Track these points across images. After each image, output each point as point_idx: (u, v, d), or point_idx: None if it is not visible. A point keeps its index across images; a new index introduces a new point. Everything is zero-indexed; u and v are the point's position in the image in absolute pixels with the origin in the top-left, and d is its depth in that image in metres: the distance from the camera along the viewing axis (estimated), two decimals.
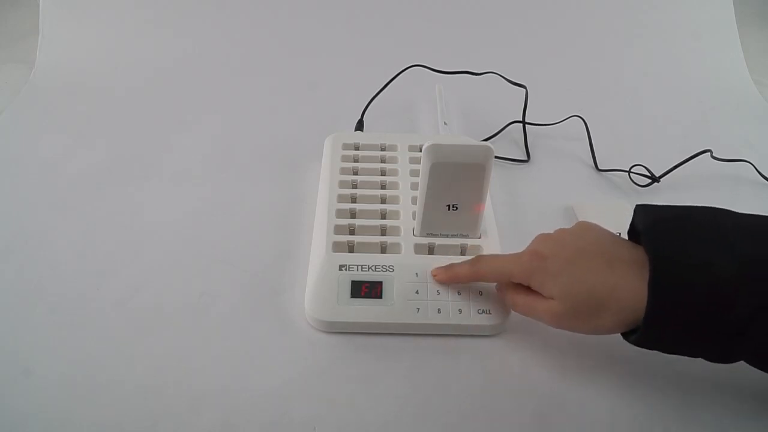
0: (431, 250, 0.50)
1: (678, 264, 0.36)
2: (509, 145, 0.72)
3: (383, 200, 0.55)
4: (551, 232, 0.44)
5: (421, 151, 0.45)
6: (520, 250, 0.46)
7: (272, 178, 0.64)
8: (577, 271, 0.40)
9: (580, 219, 0.59)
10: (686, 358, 0.39)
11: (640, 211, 0.41)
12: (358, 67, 0.85)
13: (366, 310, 0.46)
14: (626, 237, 0.42)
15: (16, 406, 0.41)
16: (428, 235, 0.50)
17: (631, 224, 0.42)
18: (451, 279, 0.47)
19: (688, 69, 0.89)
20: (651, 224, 0.38)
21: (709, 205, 0.40)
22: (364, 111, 0.71)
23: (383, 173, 0.58)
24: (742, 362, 0.38)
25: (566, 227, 0.44)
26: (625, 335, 0.40)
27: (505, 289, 0.45)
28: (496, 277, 0.46)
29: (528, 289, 0.43)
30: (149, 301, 0.49)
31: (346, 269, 0.48)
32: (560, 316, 0.40)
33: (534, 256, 0.42)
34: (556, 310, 0.40)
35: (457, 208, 0.48)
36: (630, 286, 0.37)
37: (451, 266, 0.47)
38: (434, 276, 0.47)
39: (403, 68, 0.72)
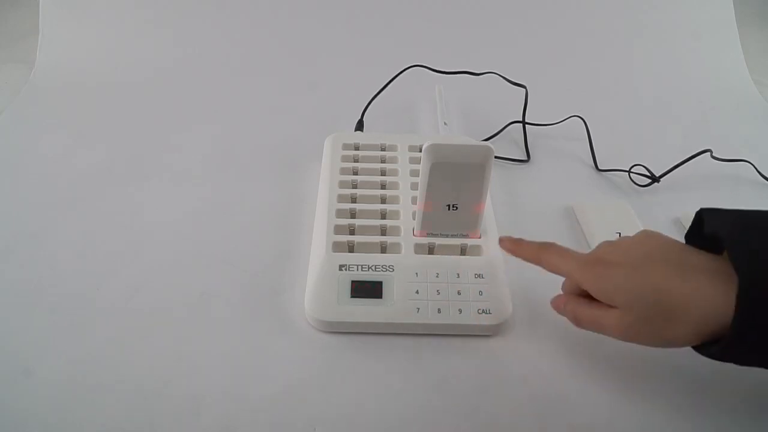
0: (431, 250, 0.50)
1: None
2: (509, 145, 0.72)
3: (383, 200, 0.55)
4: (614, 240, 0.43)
5: (421, 151, 0.45)
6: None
7: (272, 178, 0.64)
8: (644, 277, 0.37)
9: (580, 219, 0.59)
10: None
11: (712, 216, 0.38)
12: (358, 67, 0.85)
13: (366, 310, 0.46)
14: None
15: (16, 406, 0.41)
16: (428, 235, 0.50)
17: (695, 228, 0.40)
18: (513, 251, 0.47)
19: (688, 69, 0.89)
20: (732, 228, 0.36)
21: None
22: (364, 111, 0.71)
23: (383, 173, 0.58)
24: None
25: (628, 236, 0.42)
26: (697, 348, 0.38)
27: (565, 303, 0.43)
28: (554, 269, 0.43)
29: (590, 300, 0.41)
30: (149, 301, 0.49)
31: (346, 269, 0.48)
32: (629, 326, 0.38)
33: (599, 261, 0.40)
34: (625, 321, 0.38)
35: (457, 207, 0.48)
36: (707, 295, 0.35)
37: (519, 241, 0.47)
38: (500, 241, 0.48)
39: (403, 68, 0.72)
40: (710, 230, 0.38)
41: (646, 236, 0.41)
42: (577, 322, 0.42)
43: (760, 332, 0.34)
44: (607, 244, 0.42)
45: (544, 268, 0.44)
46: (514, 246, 0.47)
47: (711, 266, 0.37)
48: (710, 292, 0.35)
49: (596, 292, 0.40)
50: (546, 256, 0.44)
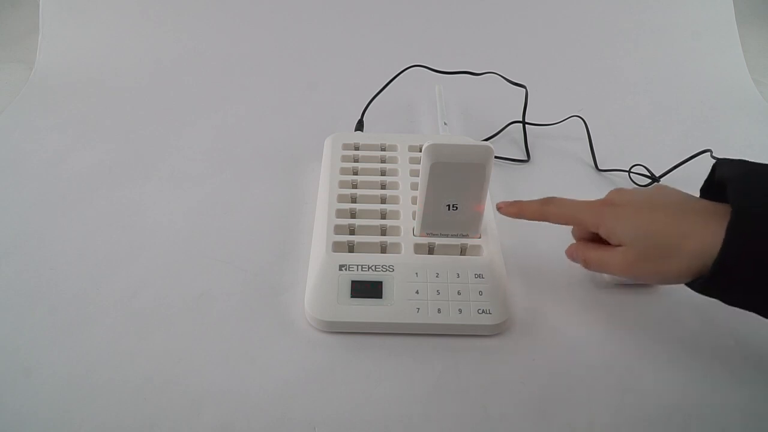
0: (431, 250, 0.50)
1: (763, 211, 0.35)
2: (509, 145, 0.72)
3: (383, 200, 0.55)
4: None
5: (421, 151, 0.45)
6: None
7: (272, 178, 0.64)
8: (647, 216, 0.40)
9: None
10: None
11: (725, 164, 0.41)
12: (358, 67, 0.85)
13: (366, 310, 0.46)
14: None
15: (16, 406, 0.41)
16: (428, 235, 0.50)
17: (708, 180, 0.42)
18: (516, 213, 0.47)
19: (688, 69, 0.89)
20: (739, 174, 0.38)
21: None
22: (364, 111, 0.71)
23: (383, 173, 0.58)
24: None
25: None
26: (691, 284, 0.39)
27: (576, 249, 0.45)
28: (564, 219, 0.45)
29: (598, 243, 0.43)
30: (149, 301, 0.49)
31: (346, 269, 0.48)
32: (631, 263, 0.40)
33: (606, 203, 0.43)
34: (627, 257, 0.40)
35: (457, 208, 0.48)
36: (702, 233, 0.37)
37: (518, 201, 0.47)
38: (499, 208, 0.48)
39: (403, 68, 0.72)
40: (719, 176, 0.40)
41: (656, 187, 0.44)
42: (587, 264, 0.44)
43: (745, 265, 0.35)
44: (616, 190, 0.44)
45: (551, 221, 0.45)
46: (515, 209, 0.47)
47: (711, 209, 0.39)
48: (704, 228, 0.37)
49: (604, 231, 0.42)
50: (551, 209, 0.45)
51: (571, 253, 0.46)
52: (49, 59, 0.85)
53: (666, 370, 0.45)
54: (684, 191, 0.43)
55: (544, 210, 0.45)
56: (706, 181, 0.43)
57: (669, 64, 0.90)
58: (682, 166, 0.65)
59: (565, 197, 0.46)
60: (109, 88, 0.81)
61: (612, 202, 0.43)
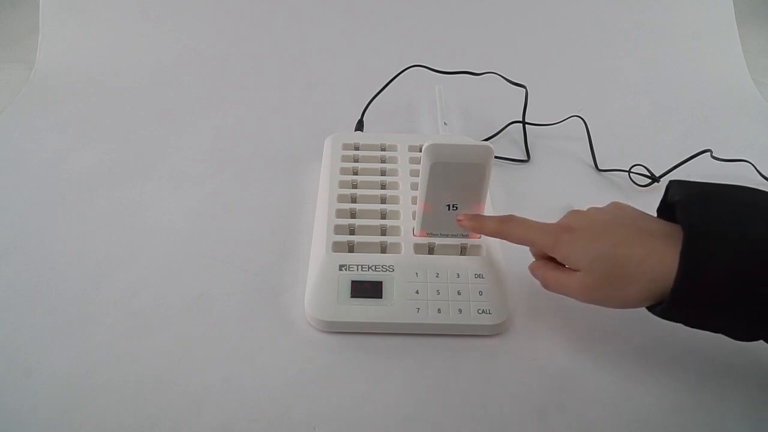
0: (431, 250, 0.50)
1: (713, 234, 0.35)
2: (509, 145, 0.72)
3: (383, 200, 0.55)
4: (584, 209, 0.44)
5: (421, 151, 0.45)
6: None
7: (272, 178, 0.64)
8: (604, 241, 0.39)
9: None
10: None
11: (675, 185, 0.41)
12: (358, 67, 0.85)
13: (366, 310, 0.46)
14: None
15: (16, 406, 0.41)
16: (428, 235, 0.50)
17: (663, 200, 0.42)
18: (475, 228, 0.47)
19: (688, 69, 0.89)
20: (688, 196, 0.38)
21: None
22: (364, 111, 0.71)
23: (383, 173, 0.58)
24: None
25: (598, 206, 0.44)
26: (651, 308, 0.39)
27: (536, 268, 0.45)
28: (519, 240, 0.45)
29: (556, 264, 0.43)
30: (149, 301, 0.49)
31: (346, 269, 0.48)
32: (589, 287, 0.40)
33: (562, 228, 0.42)
34: (585, 282, 0.40)
35: (457, 208, 0.48)
36: (660, 257, 0.37)
37: (479, 216, 0.47)
38: (459, 221, 0.48)
39: (403, 68, 0.72)
40: (670, 198, 0.40)
41: (613, 206, 0.44)
42: (545, 285, 0.44)
43: (701, 290, 0.35)
44: (573, 213, 0.44)
45: (509, 240, 0.45)
46: (474, 223, 0.47)
47: (666, 231, 0.38)
48: (661, 253, 0.37)
49: (561, 257, 0.42)
50: (508, 228, 0.45)
51: (533, 270, 0.46)
52: (49, 59, 0.85)
53: (666, 370, 0.45)
54: (638, 209, 0.42)
55: (502, 228, 0.45)
56: (661, 202, 0.42)
57: (669, 64, 0.90)
58: (682, 166, 0.65)
59: (524, 218, 0.45)
60: (109, 88, 0.81)
61: (568, 226, 0.42)
